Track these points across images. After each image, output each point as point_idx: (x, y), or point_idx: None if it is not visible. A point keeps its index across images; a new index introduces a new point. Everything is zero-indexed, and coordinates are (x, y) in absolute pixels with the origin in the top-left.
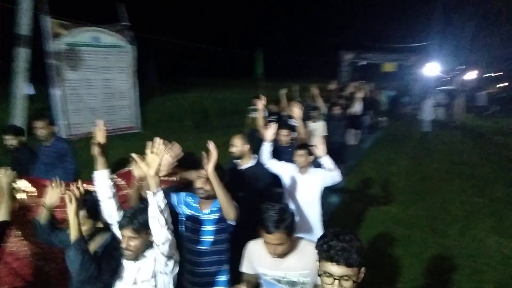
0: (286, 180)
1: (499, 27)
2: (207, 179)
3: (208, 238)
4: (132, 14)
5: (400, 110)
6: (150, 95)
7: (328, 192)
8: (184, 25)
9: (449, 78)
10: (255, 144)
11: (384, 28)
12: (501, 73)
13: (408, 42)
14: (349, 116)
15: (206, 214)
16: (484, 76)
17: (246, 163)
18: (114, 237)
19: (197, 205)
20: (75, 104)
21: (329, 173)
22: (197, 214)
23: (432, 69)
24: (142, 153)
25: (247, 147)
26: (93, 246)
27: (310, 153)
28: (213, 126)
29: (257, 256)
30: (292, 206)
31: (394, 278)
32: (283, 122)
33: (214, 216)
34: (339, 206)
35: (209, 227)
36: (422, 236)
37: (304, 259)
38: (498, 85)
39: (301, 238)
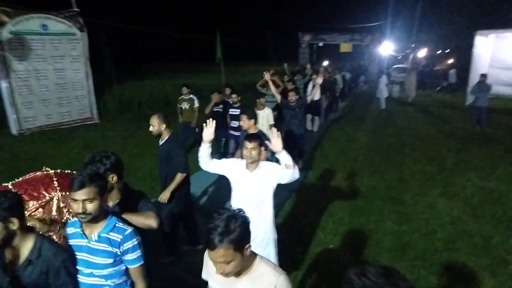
0: (232, 180)
1: (445, 7)
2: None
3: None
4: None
5: (358, 90)
6: (107, 84)
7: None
8: (142, 11)
9: (401, 57)
10: (190, 138)
11: (340, 9)
12: (448, 50)
13: (363, 22)
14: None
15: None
16: (436, 53)
17: (162, 140)
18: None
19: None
20: (25, 96)
21: (286, 171)
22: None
23: (386, 48)
24: (99, 144)
25: (163, 126)
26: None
27: (262, 145)
28: (175, 113)
29: (210, 266)
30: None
31: (357, 244)
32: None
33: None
34: (302, 183)
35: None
36: (381, 205)
37: (259, 286)
38: (447, 62)
39: (257, 256)
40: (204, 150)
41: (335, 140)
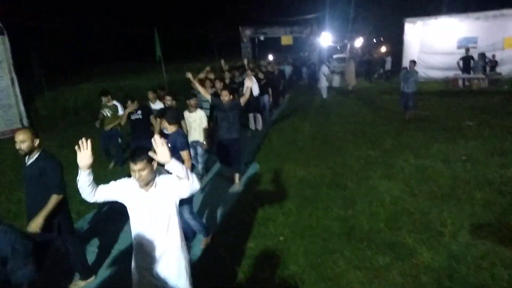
0: (128, 205)
1: None
2: None
3: None
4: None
5: (300, 81)
6: (37, 90)
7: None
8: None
9: (340, 47)
10: (112, 147)
11: (279, 2)
12: (382, 38)
13: (302, 14)
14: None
15: None
16: (372, 42)
17: (32, 159)
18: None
19: None
20: None
21: (182, 183)
22: None
23: (325, 39)
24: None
25: (36, 141)
26: None
27: (151, 160)
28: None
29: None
30: (141, 238)
31: (306, 233)
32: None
33: None
34: (251, 178)
35: None
36: (327, 192)
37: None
38: (381, 50)
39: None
40: (84, 179)
41: (281, 131)
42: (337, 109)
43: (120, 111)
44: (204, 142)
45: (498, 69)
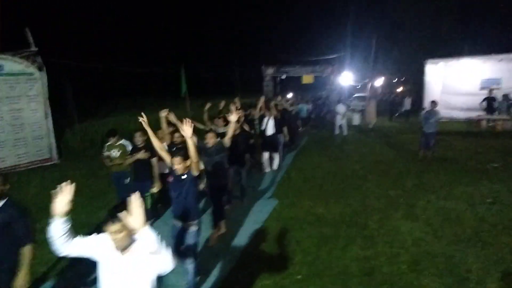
0: (99, 263)
1: (398, 37)
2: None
3: None
4: (44, 39)
5: (320, 119)
6: (68, 123)
7: (261, 200)
8: (104, 46)
9: (360, 86)
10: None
11: (301, 42)
12: (403, 78)
13: (323, 55)
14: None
15: None
16: (393, 81)
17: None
18: None
19: None
20: None
21: (156, 258)
22: None
23: (345, 78)
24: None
25: (7, 186)
26: None
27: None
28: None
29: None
30: None
31: (325, 273)
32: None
33: None
34: (270, 214)
35: None
36: (347, 230)
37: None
38: (397, 90)
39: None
40: (58, 227)
41: (300, 168)
42: (358, 147)
43: (130, 149)
44: (202, 184)
45: None
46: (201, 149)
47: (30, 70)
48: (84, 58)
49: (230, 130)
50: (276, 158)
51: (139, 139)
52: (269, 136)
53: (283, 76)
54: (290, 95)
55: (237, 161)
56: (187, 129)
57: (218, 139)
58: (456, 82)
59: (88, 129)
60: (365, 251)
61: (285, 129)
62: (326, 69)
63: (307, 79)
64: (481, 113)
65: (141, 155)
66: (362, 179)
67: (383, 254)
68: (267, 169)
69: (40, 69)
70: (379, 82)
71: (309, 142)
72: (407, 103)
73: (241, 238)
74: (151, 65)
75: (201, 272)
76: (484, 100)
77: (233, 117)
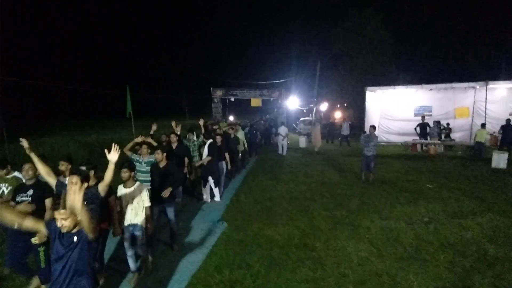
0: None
1: (339, 66)
2: None
3: None
4: None
5: (270, 142)
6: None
7: (210, 223)
8: (45, 64)
9: (306, 110)
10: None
11: (250, 67)
12: (345, 104)
13: (271, 79)
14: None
15: None
16: (336, 106)
17: None
18: None
19: None
20: None
21: None
22: None
23: (292, 102)
24: None
25: None
26: None
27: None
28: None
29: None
30: None
31: None
32: None
33: None
34: (219, 238)
35: None
36: (296, 252)
37: None
38: (341, 115)
39: None
40: None
41: (249, 190)
42: (304, 169)
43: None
44: (148, 225)
45: (452, 136)
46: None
47: None
48: (20, 74)
49: (108, 175)
50: (216, 188)
51: (28, 173)
52: (208, 163)
53: (232, 99)
54: (231, 118)
55: (161, 198)
56: (112, 155)
57: (88, 184)
58: (392, 109)
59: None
60: (314, 272)
61: (227, 155)
62: (274, 93)
63: (256, 102)
64: (416, 138)
65: (24, 207)
66: (309, 201)
67: (331, 275)
68: (207, 200)
69: None
70: (323, 107)
71: (256, 164)
72: (345, 128)
73: (190, 263)
74: (95, 85)
75: None
76: (418, 125)
77: (112, 156)
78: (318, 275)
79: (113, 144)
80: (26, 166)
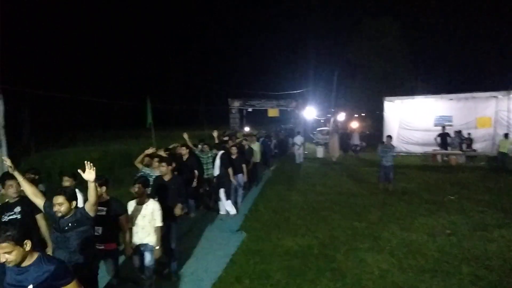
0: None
1: (358, 76)
2: None
3: None
4: (2, 65)
5: (288, 152)
6: (24, 153)
7: (228, 233)
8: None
9: (324, 120)
10: None
11: (267, 77)
12: (363, 114)
13: (288, 89)
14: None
15: None
16: (354, 116)
17: None
18: None
19: None
20: None
21: None
22: None
23: (309, 112)
24: None
25: None
26: None
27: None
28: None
29: None
30: None
31: None
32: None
33: None
34: (238, 247)
35: None
36: (316, 263)
37: None
38: (357, 125)
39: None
40: None
41: (268, 200)
42: (322, 179)
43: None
44: (157, 247)
45: (473, 146)
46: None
47: None
48: (45, 87)
49: (91, 195)
50: (228, 201)
51: (10, 191)
52: (217, 176)
53: (250, 109)
54: (247, 129)
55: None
56: (87, 174)
57: (74, 206)
58: (412, 119)
59: (46, 160)
60: (334, 283)
61: (244, 167)
62: (291, 103)
63: (273, 112)
64: (436, 148)
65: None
66: (328, 211)
67: (352, 286)
68: (222, 212)
69: None
70: (340, 116)
71: (273, 174)
72: (355, 138)
73: (210, 272)
74: (115, 96)
75: None
76: (438, 135)
77: (88, 176)
78: (339, 286)
79: (85, 162)
80: (8, 183)
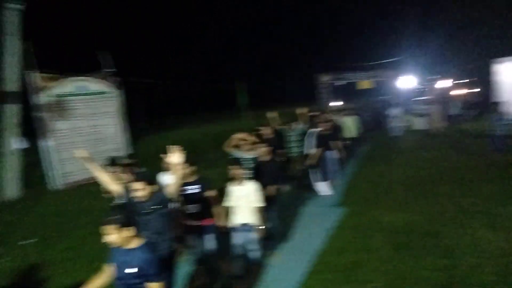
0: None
1: (465, 37)
2: None
3: None
4: (121, 60)
5: (385, 124)
6: (138, 135)
7: (326, 208)
8: (170, 66)
9: (424, 89)
10: None
11: (358, 47)
12: (468, 80)
13: (382, 58)
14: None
15: None
16: (458, 82)
17: None
18: None
19: None
20: (63, 153)
21: None
22: None
23: (407, 81)
24: None
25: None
26: None
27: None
28: (204, 159)
29: None
30: None
31: (405, 281)
32: None
33: None
34: (337, 221)
35: None
36: (421, 239)
37: None
38: (466, 91)
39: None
40: None
41: (366, 175)
42: (423, 152)
43: None
44: (260, 227)
45: None
46: (127, 206)
47: (108, 89)
48: (155, 76)
49: (175, 177)
50: (321, 183)
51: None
52: (309, 154)
53: (340, 83)
54: (339, 103)
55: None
56: (172, 157)
57: (155, 189)
58: None
59: (157, 141)
60: (443, 260)
61: (336, 143)
62: (386, 73)
63: (366, 84)
64: None
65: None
66: (432, 186)
67: (464, 264)
68: (317, 192)
69: (118, 87)
70: (443, 84)
71: (370, 148)
72: (460, 107)
73: (311, 245)
74: (208, 80)
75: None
76: None
77: (173, 159)
78: (449, 263)
79: (168, 146)
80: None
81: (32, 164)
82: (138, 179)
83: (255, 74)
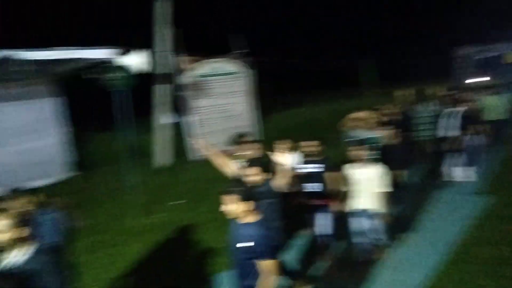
0: None
1: None
2: None
3: None
4: (254, 42)
5: None
6: (267, 113)
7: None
8: (295, 45)
9: None
10: None
11: (505, 13)
12: None
13: None
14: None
15: None
16: None
17: None
18: None
19: None
20: (207, 127)
21: None
22: None
23: None
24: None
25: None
26: None
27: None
28: (329, 137)
29: None
30: None
31: None
32: None
33: None
34: (480, 210)
35: None
36: None
37: None
38: None
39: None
40: None
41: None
42: None
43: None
44: (383, 212)
45: None
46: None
47: (240, 69)
48: (281, 56)
49: (283, 176)
50: (463, 168)
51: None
52: (450, 137)
53: (483, 56)
54: (480, 80)
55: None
56: (282, 158)
57: (266, 177)
58: None
59: (284, 119)
60: None
61: (484, 126)
62: None
63: None
64: None
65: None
66: None
67: None
68: (457, 179)
69: (249, 68)
70: None
71: None
72: None
73: (449, 234)
74: (331, 57)
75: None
76: None
77: (282, 160)
78: None
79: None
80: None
81: (179, 137)
82: (252, 164)
83: (382, 49)
